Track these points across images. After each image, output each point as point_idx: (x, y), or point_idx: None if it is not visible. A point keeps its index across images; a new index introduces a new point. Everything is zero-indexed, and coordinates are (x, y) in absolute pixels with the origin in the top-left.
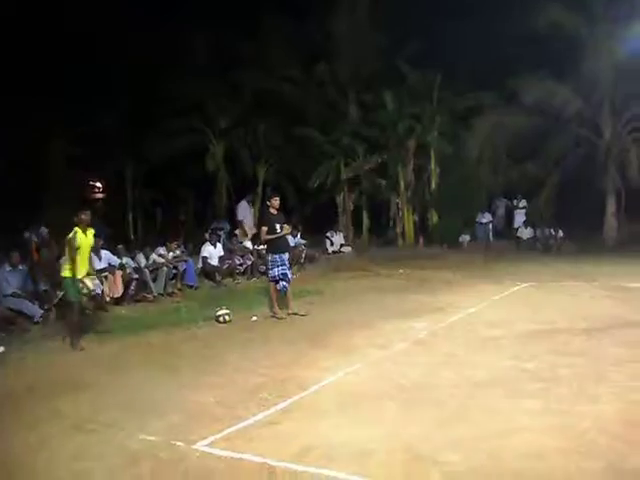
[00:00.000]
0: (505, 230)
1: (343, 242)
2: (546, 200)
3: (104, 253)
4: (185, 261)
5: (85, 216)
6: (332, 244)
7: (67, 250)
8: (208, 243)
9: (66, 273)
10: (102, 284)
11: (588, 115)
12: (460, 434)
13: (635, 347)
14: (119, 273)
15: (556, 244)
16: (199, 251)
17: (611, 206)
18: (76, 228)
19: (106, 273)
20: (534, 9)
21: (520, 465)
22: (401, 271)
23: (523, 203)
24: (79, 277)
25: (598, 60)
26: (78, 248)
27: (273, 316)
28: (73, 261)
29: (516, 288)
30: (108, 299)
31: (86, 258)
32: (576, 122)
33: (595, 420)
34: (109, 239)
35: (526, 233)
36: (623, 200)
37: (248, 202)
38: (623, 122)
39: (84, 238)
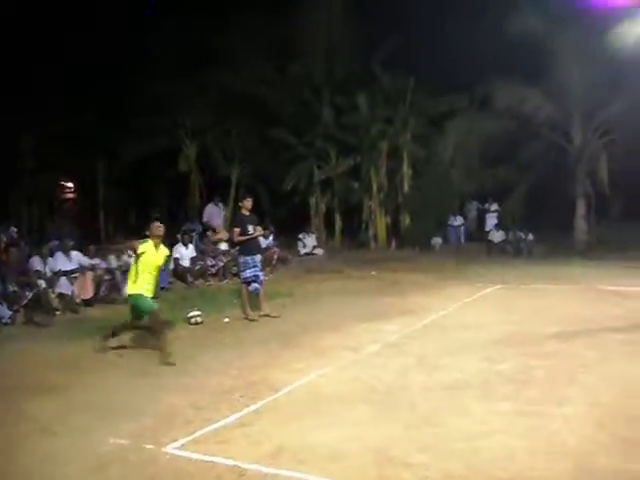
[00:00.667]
0: (477, 233)
1: (315, 244)
2: (517, 203)
3: (74, 254)
4: None
5: (158, 229)
6: (304, 246)
7: (132, 257)
8: (180, 244)
9: (129, 289)
10: (72, 285)
11: (559, 120)
12: (431, 436)
13: (605, 349)
14: (90, 274)
15: (527, 247)
16: (171, 252)
17: (581, 210)
18: (148, 240)
19: (77, 274)
20: (507, 14)
21: (491, 466)
22: (373, 273)
23: (495, 206)
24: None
25: (569, 66)
26: (139, 255)
27: (245, 318)
28: (136, 273)
29: (488, 290)
30: (78, 300)
31: (152, 278)
32: (547, 127)
33: (565, 422)
34: (80, 240)
35: (497, 236)
36: (593, 204)
37: (215, 204)
38: (593, 128)
39: (153, 253)
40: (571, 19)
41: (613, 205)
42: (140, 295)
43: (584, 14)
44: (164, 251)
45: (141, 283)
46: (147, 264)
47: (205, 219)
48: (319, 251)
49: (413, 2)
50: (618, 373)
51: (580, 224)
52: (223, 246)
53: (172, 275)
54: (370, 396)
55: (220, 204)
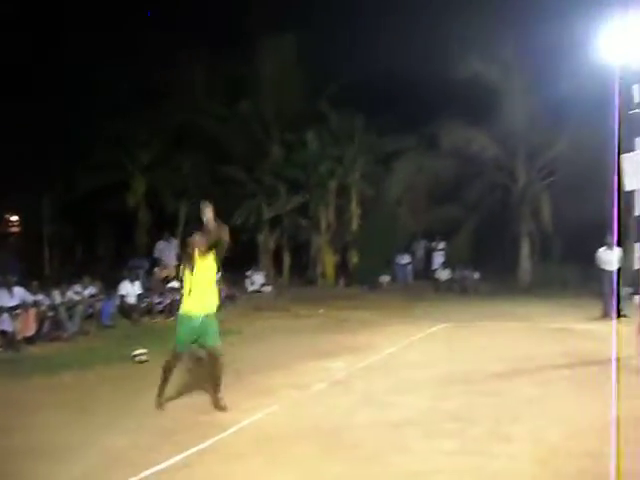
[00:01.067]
0: (424, 271)
1: (263, 281)
2: (463, 242)
3: (17, 290)
4: (101, 299)
5: (200, 238)
6: (252, 283)
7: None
8: (127, 281)
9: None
10: (14, 321)
11: (504, 161)
12: (377, 475)
13: (549, 386)
14: (32, 311)
15: (473, 285)
16: (117, 289)
17: (525, 249)
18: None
19: (19, 310)
20: (454, 57)
21: None
22: (321, 311)
23: (442, 245)
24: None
25: (513, 108)
26: (193, 267)
27: (191, 356)
28: (187, 289)
29: (434, 329)
30: (20, 338)
31: (202, 293)
32: (493, 167)
33: (508, 459)
34: (23, 275)
35: (444, 274)
36: (537, 243)
37: (167, 240)
38: (537, 168)
39: (201, 263)
40: (515, 63)
41: (555, 245)
42: (183, 319)
43: (527, 58)
44: (212, 263)
45: (192, 301)
46: (199, 279)
47: (156, 255)
48: (267, 288)
49: (363, 42)
50: (562, 410)
51: (524, 263)
52: (174, 284)
53: (118, 312)
54: (316, 435)
55: (172, 239)
